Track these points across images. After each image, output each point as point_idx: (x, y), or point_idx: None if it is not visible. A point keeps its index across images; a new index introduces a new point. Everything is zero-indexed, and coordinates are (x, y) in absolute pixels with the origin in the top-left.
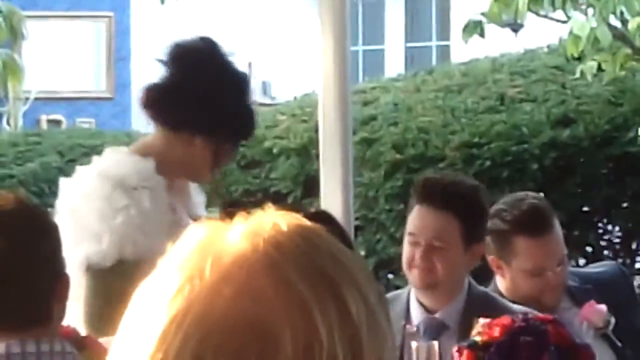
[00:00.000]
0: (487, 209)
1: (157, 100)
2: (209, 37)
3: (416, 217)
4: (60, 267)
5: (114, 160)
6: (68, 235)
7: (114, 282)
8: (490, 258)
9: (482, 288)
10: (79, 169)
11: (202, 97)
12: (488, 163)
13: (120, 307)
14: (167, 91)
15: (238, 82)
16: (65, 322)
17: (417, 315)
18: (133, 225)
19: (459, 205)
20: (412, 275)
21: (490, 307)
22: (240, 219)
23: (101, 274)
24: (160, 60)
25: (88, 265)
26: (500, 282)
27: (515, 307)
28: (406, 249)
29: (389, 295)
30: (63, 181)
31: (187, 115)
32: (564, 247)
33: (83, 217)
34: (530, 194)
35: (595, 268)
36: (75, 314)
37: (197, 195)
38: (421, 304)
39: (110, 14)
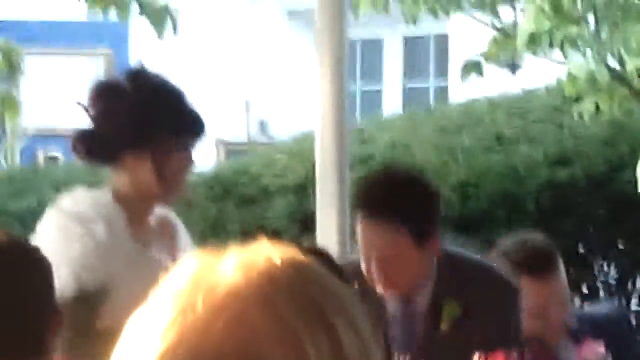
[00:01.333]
0: (431, 196)
1: (80, 147)
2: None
3: (363, 232)
4: (53, 301)
5: (73, 196)
6: None
7: (78, 312)
8: None
9: (447, 255)
10: (46, 211)
11: (115, 122)
12: (485, 203)
13: (89, 335)
14: (86, 134)
15: (152, 91)
16: None
17: (391, 304)
18: (88, 254)
19: (403, 211)
20: (374, 283)
21: (457, 275)
22: (234, 251)
23: (64, 306)
24: (84, 108)
25: None
26: None
27: (482, 262)
28: (362, 260)
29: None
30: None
31: (106, 145)
32: (567, 288)
33: (43, 249)
34: (535, 235)
35: (593, 307)
36: None
37: (184, 236)
38: (398, 298)
39: (109, 51)
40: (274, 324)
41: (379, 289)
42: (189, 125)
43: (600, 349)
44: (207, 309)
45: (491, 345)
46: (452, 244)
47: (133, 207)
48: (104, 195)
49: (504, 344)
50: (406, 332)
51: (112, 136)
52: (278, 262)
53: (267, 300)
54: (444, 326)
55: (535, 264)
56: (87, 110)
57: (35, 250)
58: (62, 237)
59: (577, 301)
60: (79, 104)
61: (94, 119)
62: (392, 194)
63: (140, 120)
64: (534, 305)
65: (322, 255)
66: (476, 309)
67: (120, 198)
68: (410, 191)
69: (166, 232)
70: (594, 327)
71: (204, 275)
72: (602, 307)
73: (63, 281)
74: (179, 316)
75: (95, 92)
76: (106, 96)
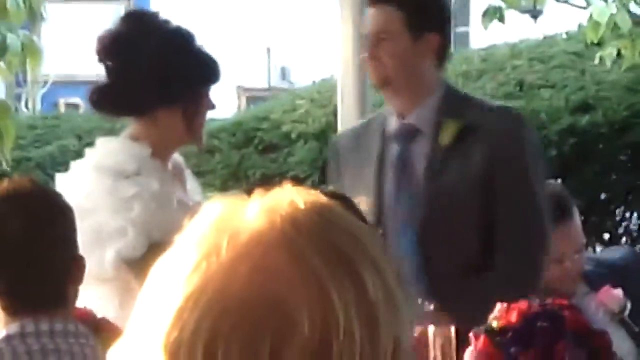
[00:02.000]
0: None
1: (105, 101)
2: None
3: (366, 19)
4: (75, 249)
5: (107, 150)
6: (80, 237)
7: (151, 266)
8: None
9: (464, 92)
10: (74, 165)
11: (140, 76)
12: None
13: None
14: (109, 88)
15: (169, 41)
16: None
17: (392, 124)
18: (150, 209)
19: None
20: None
21: (465, 106)
22: (258, 195)
23: (137, 263)
24: (98, 59)
25: (121, 261)
26: None
27: (495, 103)
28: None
29: (370, 116)
30: (59, 177)
31: (135, 100)
32: (583, 235)
33: (94, 216)
34: (550, 182)
35: (610, 253)
36: (98, 298)
37: (191, 181)
38: (398, 115)
39: None
40: (297, 269)
41: (371, 77)
42: (212, 72)
43: (619, 294)
44: (230, 254)
45: (500, 164)
46: None
47: (165, 156)
48: (141, 147)
49: (516, 167)
50: (406, 162)
51: (139, 92)
52: (302, 206)
53: (291, 245)
54: (443, 140)
55: (550, 210)
56: (104, 62)
57: (59, 197)
58: (116, 199)
59: (598, 248)
60: (99, 58)
61: (115, 72)
62: None
63: (168, 77)
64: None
65: (344, 200)
66: (479, 125)
67: (155, 152)
68: None
69: (179, 176)
70: (611, 273)
71: (228, 220)
72: (617, 251)
73: (132, 241)
74: (203, 261)
75: (111, 43)
76: (125, 49)
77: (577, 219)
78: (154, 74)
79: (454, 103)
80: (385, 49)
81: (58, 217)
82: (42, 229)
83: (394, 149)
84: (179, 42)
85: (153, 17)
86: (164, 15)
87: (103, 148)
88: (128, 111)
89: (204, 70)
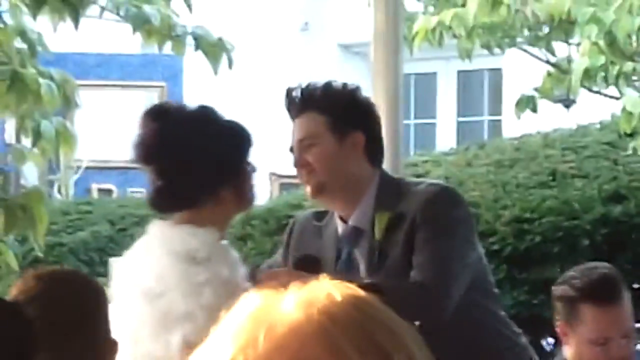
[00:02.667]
0: (355, 96)
1: (167, 202)
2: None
3: (292, 132)
4: (108, 331)
5: (175, 235)
6: (148, 319)
7: None
8: (558, 324)
9: (397, 178)
10: (136, 250)
11: (194, 168)
12: (539, 238)
13: None
14: (167, 188)
15: (205, 124)
16: None
17: (340, 230)
18: (220, 295)
19: (317, 102)
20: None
21: (398, 195)
22: (294, 288)
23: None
24: (145, 163)
25: (187, 345)
26: (567, 350)
27: (426, 182)
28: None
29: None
30: (115, 260)
31: (196, 192)
32: (632, 320)
33: (164, 299)
34: (602, 264)
35: None
36: None
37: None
38: (341, 218)
39: (163, 84)
40: None
41: (306, 189)
42: (247, 137)
43: None
44: (267, 346)
45: (425, 242)
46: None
47: (226, 233)
48: (211, 234)
49: (436, 240)
50: (351, 260)
51: (199, 183)
52: (339, 299)
53: (328, 339)
54: (377, 235)
55: (599, 291)
56: (151, 165)
57: (91, 280)
58: (189, 284)
59: None
60: (145, 162)
61: (168, 172)
62: (319, 89)
63: (220, 159)
64: (595, 334)
65: (381, 292)
66: (407, 212)
67: (220, 230)
68: (338, 90)
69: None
70: None
71: (265, 312)
72: None
73: (200, 326)
74: (239, 355)
75: (156, 146)
76: (172, 148)
77: (628, 302)
78: (207, 161)
79: (388, 195)
80: (313, 154)
81: (90, 297)
82: (73, 309)
83: (344, 253)
84: (212, 121)
85: (175, 107)
86: (199, 100)
87: (168, 232)
88: (191, 204)
89: (241, 138)
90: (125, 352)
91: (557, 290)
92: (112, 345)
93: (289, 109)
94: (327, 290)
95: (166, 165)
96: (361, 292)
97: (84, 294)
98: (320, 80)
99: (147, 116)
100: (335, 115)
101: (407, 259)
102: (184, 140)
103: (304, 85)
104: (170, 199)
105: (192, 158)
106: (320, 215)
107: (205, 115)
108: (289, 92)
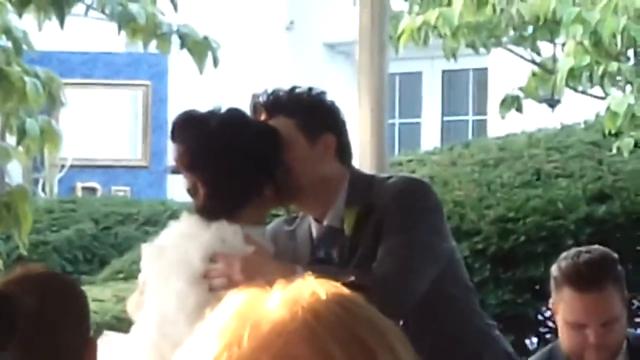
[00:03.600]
0: (321, 99)
1: (219, 209)
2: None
3: None
4: (88, 333)
5: (217, 235)
6: (190, 300)
7: None
8: (551, 302)
9: (369, 175)
10: (169, 235)
11: (239, 174)
12: (523, 238)
13: None
14: (217, 196)
15: (239, 127)
16: None
17: (315, 231)
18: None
19: (284, 105)
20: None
21: (368, 192)
22: (279, 286)
23: None
24: (192, 173)
25: None
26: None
27: (394, 178)
28: None
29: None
30: (148, 246)
31: (243, 195)
32: (615, 308)
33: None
34: (600, 248)
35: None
36: None
37: None
38: (316, 220)
39: (148, 82)
40: None
41: None
42: (277, 132)
43: None
44: (252, 344)
45: (389, 233)
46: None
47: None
48: (259, 231)
49: (399, 232)
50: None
51: (241, 190)
52: (323, 297)
53: (312, 337)
54: (347, 231)
55: (578, 277)
56: (197, 174)
57: (72, 280)
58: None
59: None
60: (192, 172)
61: (215, 180)
62: (285, 93)
63: (261, 160)
64: (571, 318)
65: (366, 290)
66: (376, 205)
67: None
68: (304, 93)
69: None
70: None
71: (250, 310)
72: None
73: None
74: (224, 352)
75: (201, 156)
76: (216, 156)
77: (611, 291)
78: (251, 163)
79: (359, 191)
80: (286, 157)
81: (70, 298)
82: (54, 309)
83: (321, 254)
84: (246, 123)
85: (209, 113)
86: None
87: (211, 232)
88: (240, 207)
89: (273, 134)
90: (161, 332)
91: (552, 268)
92: (93, 345)
93: (254, 115)
94: (312, 288)
95: (213, 172)
96: (346, 291)
97: (65, 295)
98: (287, 86)
99: (184, 124)
100: (304, 117)
101: (376, 251)
102: (228, 146)
103: (269, 91)
104: (220, 205)
105: (237, 162)
106: (290, 221)
107: (239, 117)
108: (253, 97)
